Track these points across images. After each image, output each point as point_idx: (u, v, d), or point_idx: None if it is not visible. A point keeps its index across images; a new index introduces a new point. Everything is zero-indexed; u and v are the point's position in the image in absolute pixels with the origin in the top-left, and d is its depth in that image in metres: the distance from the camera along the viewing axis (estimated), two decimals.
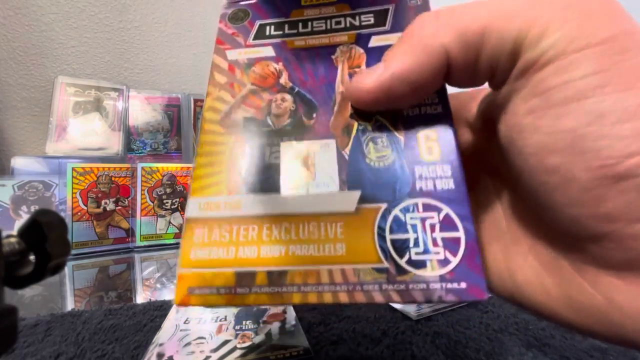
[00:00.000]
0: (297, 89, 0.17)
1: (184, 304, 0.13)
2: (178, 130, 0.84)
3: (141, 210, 0.66)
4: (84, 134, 0.73)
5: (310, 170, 0.15)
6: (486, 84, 0.14)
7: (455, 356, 0.26)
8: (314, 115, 0.16)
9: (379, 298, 0.12)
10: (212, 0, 0.94)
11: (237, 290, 0.13)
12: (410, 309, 0.34)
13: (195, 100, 0.86)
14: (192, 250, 0.14)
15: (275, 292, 0.13)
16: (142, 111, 0.81)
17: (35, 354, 0.26)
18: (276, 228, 0.14)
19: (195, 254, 0.14)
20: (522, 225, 0.14)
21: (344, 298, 0.12)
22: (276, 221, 0.14)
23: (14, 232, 0.13)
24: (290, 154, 0.15)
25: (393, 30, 0.17)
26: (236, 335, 0.29)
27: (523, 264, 0.14)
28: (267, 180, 0.15)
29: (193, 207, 0.14)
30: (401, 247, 0.13)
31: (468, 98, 0.18)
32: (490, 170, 0.17)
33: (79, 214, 0.61)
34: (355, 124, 0.15)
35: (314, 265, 0.13)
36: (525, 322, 0.32)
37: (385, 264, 0.13)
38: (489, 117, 0.15)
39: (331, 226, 0.13)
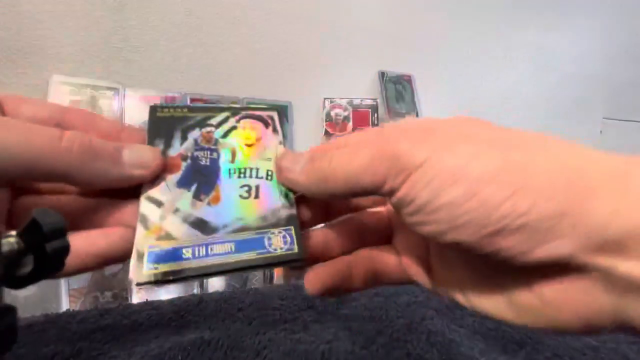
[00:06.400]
0: None
1: None
2: None
3: None
4: None
5: None
6: None
7: (449, 354, 0.26)
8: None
9: None
10: (208, 0, 0.94)
11: None
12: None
13: (192, 100, 0.86)
14: None
15: None
16: (138, 110, 0.81)
17: (31, 354, 0.26)
18: None
19: None
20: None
21: None
22: None
23: (14, 232, 0.13)
24: None
25: None
26: None
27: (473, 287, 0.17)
28: None
29: None
30: None
31: None
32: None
33: None
34: None
35: None
36: None
37: None
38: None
39: None
